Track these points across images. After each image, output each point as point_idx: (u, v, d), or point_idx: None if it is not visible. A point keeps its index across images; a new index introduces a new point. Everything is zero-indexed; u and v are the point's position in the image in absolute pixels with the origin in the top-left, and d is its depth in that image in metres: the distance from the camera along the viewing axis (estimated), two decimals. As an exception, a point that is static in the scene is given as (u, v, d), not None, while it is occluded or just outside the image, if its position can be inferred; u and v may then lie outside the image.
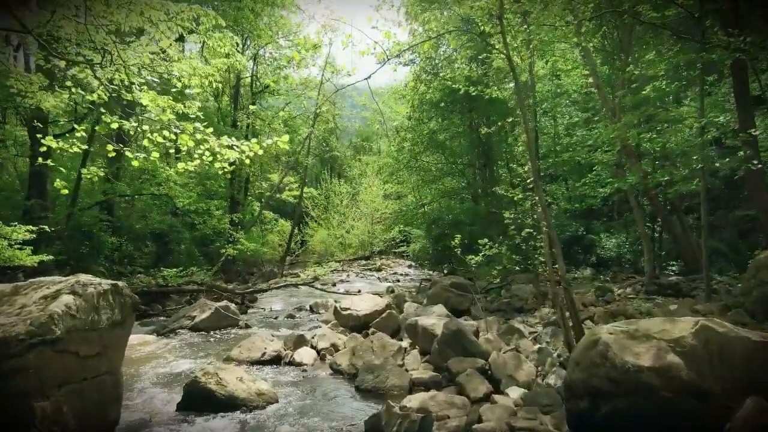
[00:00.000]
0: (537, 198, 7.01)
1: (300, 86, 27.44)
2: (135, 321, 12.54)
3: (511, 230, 8.13)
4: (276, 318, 13.44)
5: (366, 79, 6.89)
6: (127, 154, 4.85)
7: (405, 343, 8.57)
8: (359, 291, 17.95)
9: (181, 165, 5.33)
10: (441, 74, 15.76)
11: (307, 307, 14.73)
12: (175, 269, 14.12)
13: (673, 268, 13.68)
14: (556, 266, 7.31)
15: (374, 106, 29.69)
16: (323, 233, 31.16)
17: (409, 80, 16.67)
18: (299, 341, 8.65)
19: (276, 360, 8.13)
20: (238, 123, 22.81)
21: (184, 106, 5.66)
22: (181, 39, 21.92)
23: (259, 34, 19.76)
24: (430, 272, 22.18)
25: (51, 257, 10.44)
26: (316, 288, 16.33)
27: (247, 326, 11.02)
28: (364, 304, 10.00)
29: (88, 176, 6.03)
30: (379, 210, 31.37)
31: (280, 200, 31.31)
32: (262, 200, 27.56)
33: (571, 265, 13.58)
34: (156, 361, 8.22)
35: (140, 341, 9.57)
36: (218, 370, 6.24)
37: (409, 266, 26.61)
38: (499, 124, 10.36)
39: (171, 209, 17.83)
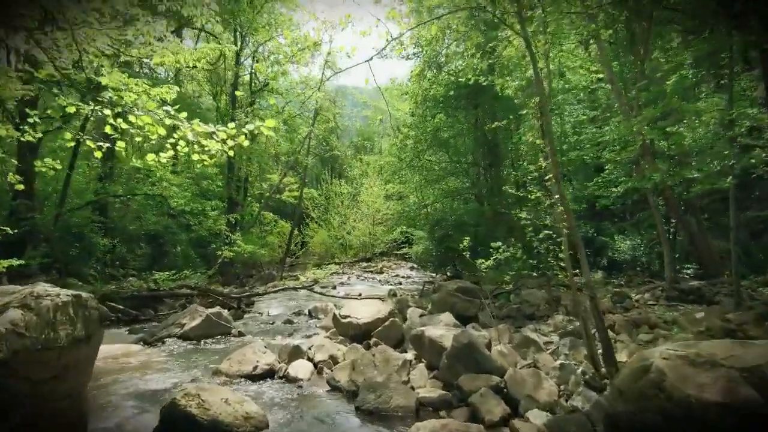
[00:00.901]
0: (558, 196, 6.20)
1: (300, 84, 26.65)
2: (122, 328, 11.91)
3: (528, 232, 7.30)
4: (273, 323, 12.67)
5: (368, 61, 6.10)
6: (88, 143, 4.07)
7: (410, 355, 7.77)
8: (360, 294, 17.19)
9: (150, 157, 4.53)
10: (445, 68, 14.99)
11: (306, 312, 14.00)
12: (167, 272, 13.33)
13: (689, 271, 12.90)
14: (576, 271, 6.53)
15: (375, 104, 28.92)
16: (324, 234, 30.35)
17: (413, 73, 15.85)
18: (294, 353, 7.85)
19: (269, 374, 7.33)
20: (236, 121, 21.91)
21: (162, 92, 4.84)
22: (178, 31, 21.22)
23: (256, 27, 18.89)
24: (433, 274, 21.43)
25: (22, 261, 9.54)
26: (315, 292, 15.50)
27: (241, 334, 10.21)
28: (365, 311, 9.18)
29: (43, 168, 5.23)
30: (380, 211, 30.57)
31: (281, 201, 30.54)
32: (262, 201, 26.74)
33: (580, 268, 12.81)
34: (137, 375, 7.40)
35: (124, 351, 8.77)
36: (200, 390, 5.43)
37: (411, 268, 25.84)
38: (510, 117, 9.63)
39: (166, 210, 17.02)
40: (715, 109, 9.15)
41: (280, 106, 27.92)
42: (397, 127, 18.17)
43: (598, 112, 16.96)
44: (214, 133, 4.31)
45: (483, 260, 8.10)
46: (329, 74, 25.89)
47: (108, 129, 4.30)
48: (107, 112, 4.29)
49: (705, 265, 12.15)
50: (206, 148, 4.63)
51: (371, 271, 25.15)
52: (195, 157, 4.56)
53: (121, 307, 12.71)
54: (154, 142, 4.46)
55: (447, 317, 8.54)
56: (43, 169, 5.53)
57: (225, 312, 10.49)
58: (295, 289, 15.96)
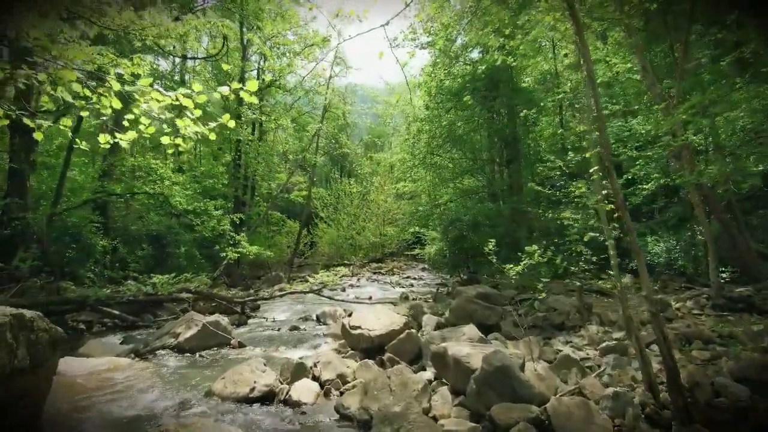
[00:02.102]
0: (604, 192, 5.10)
1: (309, 79, 25.65)
2: (118, 335, 10.93)
3: (573, 234, 6.21)
4: (278, 330, 11.66)
5: (383, 26, 5.04)
6: (26, 121, 3.05)
7: (429, 374, 6.70)
8: (370, 297, 16.21)
9: (103, 138, 3.49)
10: (461, 58, 13.90)
11: (314, 317, 13.02)
12: (166, 276, 12.33)
13: (724, 275, 11.71)
14: (626, 280, 5.42)
15: (386, 99, 27.81)
16: (333, 234, 29.30)
17: (427, 64, 14.77)
18: (298, 371, 6.78)
19: (268, 397, 6.28)
20: (242, 118, 20.96)
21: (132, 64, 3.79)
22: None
23: (261, 18, 17.86)
24: (446, 276, 20.34)
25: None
26: (323, 296, 14.46)
27: (241, 345, 9.15)
28: (377, 321, 8.10)
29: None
30: (391, 210, 29.47)
31: (289, 201, 29.58)
32: (269, 200, 25.75)
33: (606, 270, 11.61)
34: (118, 396, 6.38)
35: (110, 365, 7.75)
36: (180, 428, 4.39)
37: (423, 269, 24.77)
38: (531, 110, 8.56)
39: (168, 209, 16.04)
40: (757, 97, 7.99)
41: (289, 104, 26.98)
42: (409, 123, 17.10)
43: (619, 106, 15.82)
44: (178, 102, 3.27)
45: (511, 266, 6.99)
46: (338, 70, 24.92)
47: (45, 100, 3.31)
48: (42, 76, 3.29)
49: (746, 269, 10.97)
50: (186, 130, 3.59)
51: (382, 273, 24.10)
52: (165, 140, 3.55)
53: (117, 312, 11.76)
54: (106, 117, 3.45)
55: (470, 330, 7.45)
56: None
57: (224, 320, 9.42)
58: (302, 292, 14.91)
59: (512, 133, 13.69)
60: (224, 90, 3.41)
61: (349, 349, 8.06)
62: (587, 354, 7.54)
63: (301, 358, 7.91)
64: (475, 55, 15.38)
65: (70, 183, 15.59)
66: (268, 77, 24.90)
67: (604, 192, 5.52)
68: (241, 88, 3.39)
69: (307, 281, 18.45)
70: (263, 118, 23.53)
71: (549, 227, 14.13)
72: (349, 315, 13.28)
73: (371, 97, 30.86)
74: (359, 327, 8.02)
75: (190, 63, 23.77)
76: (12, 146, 12.80)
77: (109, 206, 16.79)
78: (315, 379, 6.78)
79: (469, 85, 14.19)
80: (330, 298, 14.33)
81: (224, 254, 15.38)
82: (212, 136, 3.55)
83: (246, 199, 23.96)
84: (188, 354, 8.53)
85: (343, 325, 8.24)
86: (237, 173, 21.50)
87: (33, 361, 3.67)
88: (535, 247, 6.52)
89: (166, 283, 12.14)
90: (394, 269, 24.92)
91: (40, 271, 11.70)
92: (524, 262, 6.76)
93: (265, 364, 6.80)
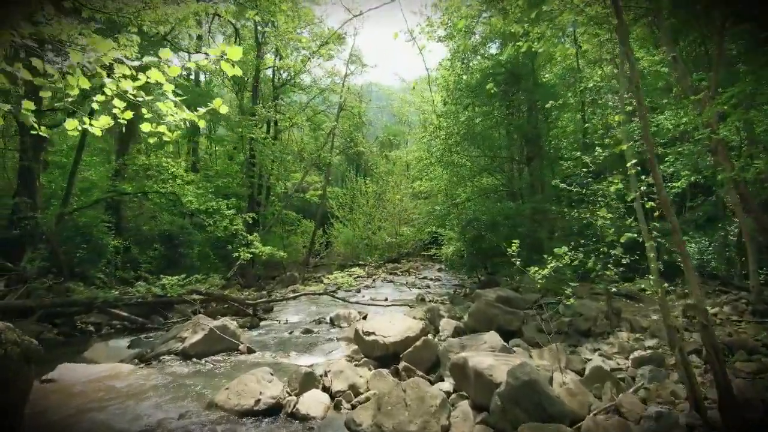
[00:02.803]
0: (655, 187, 4.50)
1: (325, 76, 25.21)
2: (127, 338, 10.55)
3: (609, 234, 5.61)
4: (290, 333, 11.23)
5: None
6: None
7: (447, 385, 6.15)
8: (386, 299, 15.69)
9: (70, 125, 2.98)
10: (479, 52, 13.29)
11: (327, 319, 12.59)
12: (176, 277, 11.91)
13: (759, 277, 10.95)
14: (667, 285, 4.84)
15: (403, 96, 27.22)
16: (349, 234, 28.80)
17: (445, 58, 14.17)
18: (307, 381, 6.28)
19: (274, 410, 5.79)
20: (257, 116, 20.56)
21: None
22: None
23: (274, 12, 17.39)
24: (463, 277, 19.71)
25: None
26: (337, 298, 13.96)
27: (250, 350, 8.69)
28: (392, 327, 7.57)
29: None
30: (407, 210, 28.87)
31: (305, 200, 29.17)
32: (284, 200, 25.34)
33: (628, 273, 10.87)
34: (114, 408, 5.93)
35: (111, 372, 7.34)
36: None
37: (439, 270, 24.15)
38: (561, 102, 7.95)
39: (181, 209, 15.67)
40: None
41: (304, 102, 26.56)
42: (425, 120, 16.50)
43: (645, 101, 15.03)
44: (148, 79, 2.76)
45: (536, 268, 6.40)
46: (352, 72, 24.39)
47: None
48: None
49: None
50: (172, 116, 3.10)
51: (398, 273, 23.54)
52: (145, 128, 3.06)
53: (125, 314, 11.40)
54: (72, 99, 2.97)
55: (492, 337, 6.87)
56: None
57: (232, 324, 8.95)
58: (315, 294, 14.43)
59: (534, 129, 13.02)
60: (200, 58, 2.91)
61: (363, 356, 7.54)
62: (618, 364, 6.94)
63: (311, 366, 7.44)
64: (494, 50, 14.80)
65: (83, 183, 15.33)
66: (282, 76, 24.59)
67: (642, 188, 4.92)
68: (222, 57, 2.88)
69: (321, 282, 17.98)
70: (278, 116, 23.12)
71: (571, 227, 13.48)
72: (364, 317, 12.82)
73: (387, 95, 30.30)
74: (373, 333, 7.49)
75: (203, 63, 23.37)
76: (22, 145, 12.53)
77: (123, 206, 16.49)
78: (325, 389, 6.28)
79: (489, 80, 13.51)
80: (344, 300, 13.83)
81: (236, 255, 14.97)
82: (202, 124, 3.05)
83: (261, 199, 23.58)
84: (194, 360, 8.07)
85: (356, 331, 7.72)
86: (251, 172, 21.09)
87: (1, 377, 3.22)
88: (564, 248, 5.92)
89: (176, 284, 11.72)
90: (410, 270, 24.34)
91: (48, 271, 11.37)
92: (551, 264, 6.17)
93: (272, 374, 6.30)
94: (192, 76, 22.59)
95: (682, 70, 10.31)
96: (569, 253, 5.99)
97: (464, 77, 13.90)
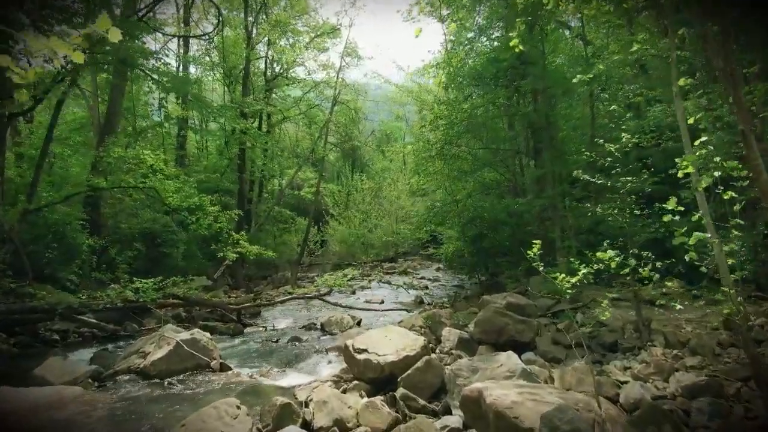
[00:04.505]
0: (751, 170, 3.24)
1: (319, 69, 23.88)
2: (95, 348, 9.20)
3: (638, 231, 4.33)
4: (276, 342, 10.01)
5: None
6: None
7: (455, 420, 4.88)
8: (382, 301, 14.53)
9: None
10: (485, 35, 11.97)
11: (318, 325, 11.42)
12: (151, 280, 10.58)
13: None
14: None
15: (400, 87, 25.89)
16: (344, 232, 27.49)
17: (448, 39, 12.84)
18: (283, 415, 4.98)
19: (238, 457, 4.46)
20: (246, 110, 19.18)
21: None
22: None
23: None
24: (462, 277, 18.42)
25: None
26: (329, 302, 12.67)
27: (223, 367, 7.36)
28: (388, 344, 6.26)
29: None
30: (404, 207, 27.57)
31: (300, 198, 27.83)
32: (276, 197, 24.00)
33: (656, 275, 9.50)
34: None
35: (52, 399, 5.99)
36: None
37: (438, 269, 22.90)
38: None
39: (162, 206, 14.33)
40: None
41: (298, 97, 25.17)
42: (422, 111, 15.17)
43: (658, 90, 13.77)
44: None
45: (562, 274, 5.09)
46: (347, 65, 22.97)
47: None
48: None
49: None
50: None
51: (394, 273, 22.26)
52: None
53: (93, 321, 10.08)
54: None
55: (509, 360, 5.55)
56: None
57: (204, 337, 7.58)
58: (306, 297, 13.12)
59: (546, 118, 11.69)
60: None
61: (354, 379, 6.21)
62: (658, 388, 5.66)
63: (293, 389, 6.14)
64: (498, 34, 13.50)
65: (53, 177, 13.96)
66: (275, 69, 23.22)
67: (717, 173, 3.65)
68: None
69: (314, 282, 16.67)
70: (269, 109, 21.76)
71: (580, 225, 12.20)
72: (358, 323, 11.56)
73: (384, 86, 28.91)
74: (365, 350, 6.17)
75: (190, 51, 22.02)
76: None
77: (102, 203, 15.12)
78: (306, 425, 4.97)
79: (491, 67, 12.19)
80: (336, 304, 12.54)
81: (221, 254, 13.67)
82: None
83: (252, 196, 22.20)
84: (156, 380, 6.74)
85: (346, 348, 6.39)
86: (235, 165, 19.68)
87: None
88: (610, 252, 4.61)
89: (150, 288, 10.39)
90: (408, 269, 23.06)
91: (3, 273, 10.03)
92: (583, 270, 4.87)
93: (239, 406, 4.98)
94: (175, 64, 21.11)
95: (715, 49, 9.02)
96: (616, 258, 4.68)
97: (468, 62, 12.55)
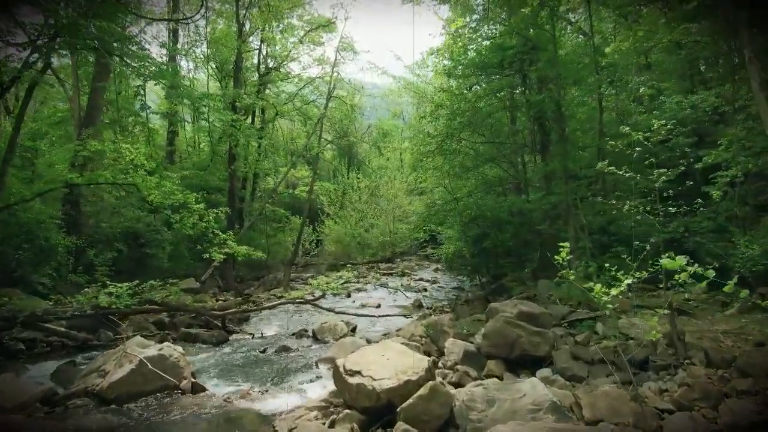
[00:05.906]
0: None
1: (314, 64, 22.83)
2: (59, 360, 8.06)
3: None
4: (262, 352, 9.00)
5: None
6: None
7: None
8: (378, 305, 13.60)
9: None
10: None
11: (310, 332, 10.45)
12: (126, 284, 9.50)
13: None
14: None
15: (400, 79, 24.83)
16: (340, 232, 26.44)
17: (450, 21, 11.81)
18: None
19: None
20: (237, 104, 18.09)
21: None
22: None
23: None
24: (462, 279, 17.44)
25: None
26: (322, 308, 11.60)
27: (196, 388, 6.29)
28: (386, 364, 5.19)
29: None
30: (402, 206, 26.52)
31: (295, 197, 26.78)
32: (271, 195, 22.93)
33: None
34: None
35: (-14, 431, 4.93)
36: None
37: (436, 270, 21.94)
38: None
39: (144, 204, 13.25)
40: None
41: (292, 93, 24.11)
42: (419, 99, 14.14)
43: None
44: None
45: (598, 285, 4.05)
46: (342, 60, 21.92)
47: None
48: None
49: None
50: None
51: (392, 274, 21.22)
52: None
53: (63, 329, 9.01)
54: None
55: (534, 390, 4.47)
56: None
57: (175, 353, 6.48)
58: (297, 302, 12.06)
59: (555, 110, 10.67)
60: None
61: (344, 407, 5.14)
62: (704, 415, 4.66)
63: (273, 419, 5.10)
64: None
65: (27, 174, 12.87)
66: (268, 64, 22.18)
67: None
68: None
69: (308, 284, 15.60)
70: (262, 104, 20.68)
71: (591, 224, 11.19)
72: (352, 330, 10.52)
73: (380, 85, 27.93)
74: (359, 373, 5.09)
75: (179, 42, 20.95)
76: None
77: (83, 200, 14.02)
78: (282, 472, 3.92)
79: (496, 56, 11.15)
80: (330, 310, 11.48)
81: (207, 255, 12.60)
82: None
83: (244, 194, 21.09)
84: (113, 406, 5.65)
85: (336, 369, 5.31)
86: (231, 163, 18.59)
87: None
88: (681, 258, 3.56)
89: (125, 292, 9.31)
90: (405, 270, 22.02)
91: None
92: (627, 280, 3.85)
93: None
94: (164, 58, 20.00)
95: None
96: (689, 264, 3.65)
97: (472, 47, 11.52)
